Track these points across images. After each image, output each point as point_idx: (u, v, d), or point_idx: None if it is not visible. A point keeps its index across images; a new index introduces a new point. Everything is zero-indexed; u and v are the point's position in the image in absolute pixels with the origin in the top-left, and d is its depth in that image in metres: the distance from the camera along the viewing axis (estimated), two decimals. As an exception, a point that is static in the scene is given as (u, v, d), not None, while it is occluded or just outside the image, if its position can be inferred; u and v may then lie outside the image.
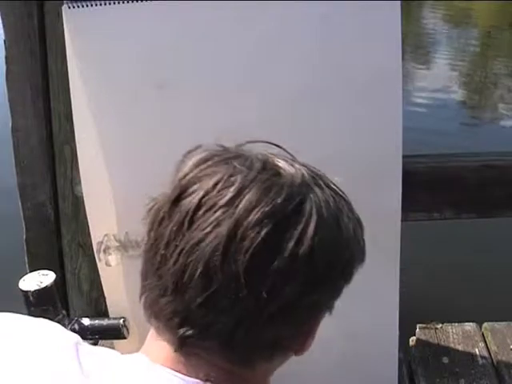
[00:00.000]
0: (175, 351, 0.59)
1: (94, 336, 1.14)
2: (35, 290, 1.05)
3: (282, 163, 0.61)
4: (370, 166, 1.16)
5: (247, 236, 0.55)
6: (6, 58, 1.19)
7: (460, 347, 1.89)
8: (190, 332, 0.58)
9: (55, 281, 1.08)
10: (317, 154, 1.15)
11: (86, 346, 0.66)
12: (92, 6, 1.05)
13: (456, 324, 1.99)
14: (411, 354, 1.87)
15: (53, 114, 1.23)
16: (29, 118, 1.23)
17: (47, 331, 0.66)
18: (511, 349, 1.88)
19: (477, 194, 1.37)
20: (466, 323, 1.99)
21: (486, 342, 1.92)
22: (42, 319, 0.68)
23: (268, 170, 0.59)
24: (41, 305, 1.06)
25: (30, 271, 1.11)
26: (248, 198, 0.56)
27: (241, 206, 0.55)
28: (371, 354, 1.28)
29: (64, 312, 1.12)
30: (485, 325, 1.99)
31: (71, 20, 1.06)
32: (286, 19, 1.08)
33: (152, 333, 0.62)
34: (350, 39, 1.10)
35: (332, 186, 0.66)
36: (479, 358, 1.84)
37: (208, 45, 1.08)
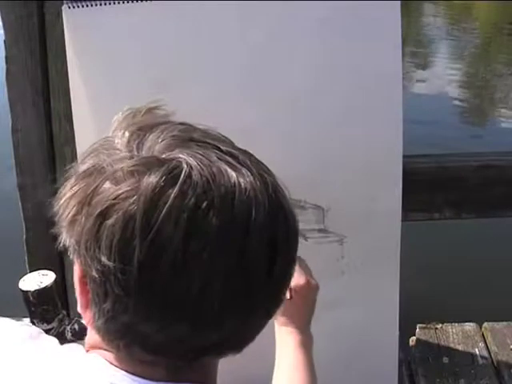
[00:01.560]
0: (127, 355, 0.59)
1: (94, 336, 1.14)
2: (35, 290, 1.05)
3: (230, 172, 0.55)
4: (370, 166, 1.16)
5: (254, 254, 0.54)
6: (6, 57, 1.19)
7: (460, 347, 1.89)
8: (207, 357, 0.59)
9: (55, 281, 1.08)
10: (317, 154, 1.15)
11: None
12: (92, 5, 1.05)
13: (456, 324, 1.99)
14: (411, 353, 1.88)
15: (53, 114, 1.22)
16: (29, 118, 1.22)
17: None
18: (511, 349, 1.89)
19: (477, 194, 1.37)
20: (466, 323, 2.00)
21: (486, 342, 1.92)
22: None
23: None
24: (41, 305, 1.06)
25: (30, 271, 1.11)
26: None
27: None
28: (371, 354, 1.28)
29: (64, 312, 1.12)
30: (485, 325, 1.99)
31: (71, 20, 1.06)
32: (285, 20, 1.08)
33: (96, 339, 0.61)
34: (349, 39, 1.10)
35: (231, 150, 0.58)
36: (479, 358, 1.85)
37: (208, 45, 1.08)
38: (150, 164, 0.53)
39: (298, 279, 0.93)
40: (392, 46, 1.11)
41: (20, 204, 1.29)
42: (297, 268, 0.93)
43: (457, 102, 5.81)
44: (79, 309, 0.60)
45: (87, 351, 0.63)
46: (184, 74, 1.09)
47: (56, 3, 1.10)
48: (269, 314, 0.60)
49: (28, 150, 1.25)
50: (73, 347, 0.65)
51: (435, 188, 1.35)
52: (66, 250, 0.60)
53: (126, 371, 0.59)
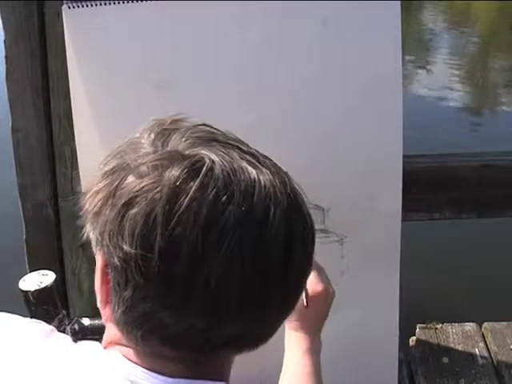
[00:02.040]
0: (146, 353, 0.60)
1: (94, 336, 1.13)
2: (35, 290, 1.05)
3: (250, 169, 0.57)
4: (370, 166, 1.16)
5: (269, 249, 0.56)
6: (6, 57, 1.18)
7: (460, 347, 1.89)
8: (223, 351, 0.60)
9: (55, 281, 1.08)
10: (317, 154, 1.15)
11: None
12: (92, 5, 1.05)
13: (456, 324, 1.99)
14: (411, 353, 1.88)
15: (53, 114, 1.22)
16: (29, 118, 1.22)
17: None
18: (511, 349, 1.89)
19: (477, 194, 1.37)
20: (466, 323, 2.00)
21: (486, 342, 1.92)
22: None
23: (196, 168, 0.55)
24: (41, 305, 1.06)
25: (30, 271, 1.11)
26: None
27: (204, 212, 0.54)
28: (371, 354, 1.28)
29: (64, 312, 1.12)
30: (485, 325, 1.99)
31: (71, 20, 1.06)
32: (285, 20, 1.08)
33: (115, 337, 0.63)
34: (349, 40, 1.10)
35: (251, 150, 0.61)
36: (479, 358, 1.85)
37: (208, 45, 1.08)
38: (173, 158, 0.56)
39: (315, 286, 0.93)
40: (392, 47, 1.11)
41: (20, 204, 1.29)
42: (315, 275, 0.93)
43: (457, 102, 5.81)
44: (98, 304, 0.62)
45: (105, 348, 0.64)
46: (184, 74, 1.09)
47: (56, 3, 1.10)
48: (282, 314, 0.61)
49: (28, 149, 1.25)
50: (90, 344, 0.66)
51: (435, 188, 1.35)
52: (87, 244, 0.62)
53: (145, 368, 0.60)
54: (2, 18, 1.16)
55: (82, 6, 1.05)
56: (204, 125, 0.62)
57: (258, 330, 0.60)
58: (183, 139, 0.58)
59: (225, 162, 0.55)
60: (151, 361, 0.60)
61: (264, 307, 0.57)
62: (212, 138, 0.59)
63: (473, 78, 6.74)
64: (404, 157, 1.18)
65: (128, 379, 0.59)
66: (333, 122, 1.14)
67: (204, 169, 0.54)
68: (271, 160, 0.61)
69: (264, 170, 0.57)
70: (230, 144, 0.59)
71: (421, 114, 4.69)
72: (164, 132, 0.60)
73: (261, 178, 0.56)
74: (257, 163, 0.57)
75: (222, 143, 0.58)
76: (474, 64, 7.22)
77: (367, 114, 1.14)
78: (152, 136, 0.60)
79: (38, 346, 0.65)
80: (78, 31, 1.07)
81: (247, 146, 0.61)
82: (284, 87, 1.11)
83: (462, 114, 5.62)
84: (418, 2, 8.61)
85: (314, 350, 0.92)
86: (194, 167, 0.55)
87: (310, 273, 0.62)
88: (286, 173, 0.61)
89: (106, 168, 0.59)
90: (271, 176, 0.57)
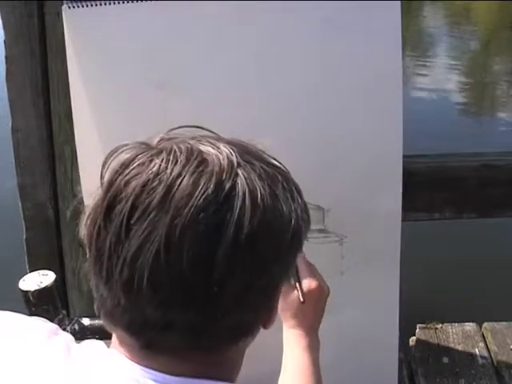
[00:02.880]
0: (141, 350, 0.60)
1: (94, 336, 1.14)
2: (35, 290, 1.05)
3: (206, 148, 0.59)
4: (370, 166, 1.16)
5: (185, 234, 0.54)
6: (6, 57, 1.18)
7: (460, 347, 1.89)
8: (151, 334, 0.59)
9: (55, 281, 1.08)
10: (317, 154, 1.15)
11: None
12: (92, 5, 1.05)
13: (456, 324, 1.99)
14: (411, 353, 1.88)
15: (53, 114, 1.22)
16: (29, 118, 1.22)
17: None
18: (511, 349, 1.89)
19: (477, 194, 1.37)
20: (466, 323, 2.00)
21: (485, 341, 1.92)
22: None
23: (193, 159, 0.57)
24: (41, 305, 1.06)
25: (30, 271, 1.11)
26: (179, 194, 0.55)
27: (173, 203, 0.54)
28: (371, 354, 1.28)
29: (64, 312, 1.12)
30: (485, 325, 1.99)
31: (71, 20, 1.06)
32: (286, 20, 1.08)
33: (115, 338, 0.64)
34: (350, 39, 1.10)
35: (261, 155, 0.62)
36: (479, 358, 1.85)
37: (208, 45, 1.08)
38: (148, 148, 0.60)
39: (309, 283, 0.93)
40: (392, 46, 1.11)
41: (20, 204, 1.29)
42: (308, 272, 0.93)
43: (457, 102, 5.81)
44: None
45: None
46: (184, 74, 1.09)
47: (56, 3, 1.10)
48: (215, 308, 0.58)
49: (28, 149, 1.25)
50: (94, 343, 0.66)
51: (435, 188, 1.35)
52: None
53: (146, 366, 0.60)
54: (2, 18, 1.16)
55: (82, 6, 1.05)
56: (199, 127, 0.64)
57: (191, 322, 0.58)
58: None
59: (183, 147, 0.58)
60: (152, 359, 0.61)
61: (184, 298, 0.56)
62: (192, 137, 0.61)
63: (473, 77, 6.74)
64: (404, 157, 1.18)
65: (135, 379, 0.60)
66: (333, 121, 1.14)
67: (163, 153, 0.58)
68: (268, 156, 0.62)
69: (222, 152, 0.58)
70: (205, 136, 0.61)
71: (421, 114, 4.68)
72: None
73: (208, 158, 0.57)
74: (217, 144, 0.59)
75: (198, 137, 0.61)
76: (474, 64, 7.21)
77: (367, 113, 1.14)
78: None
79: (42, 344, 0.65)
80: (78, 31, 1.07)
81: (242, 146, 0.62)
82: (284, 87, 1.11)
83: (462, 114, 5.62)
84: (418, 2, 8.61)
85: (313, 346, 0.92)
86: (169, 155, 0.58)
87: (262, 276, 0.59)
88: (284, 171, 0.62)
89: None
90: (290, 184, 0.61)
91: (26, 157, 1.25)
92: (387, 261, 1.23)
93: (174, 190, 0.55)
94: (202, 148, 0.59)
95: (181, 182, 0.55)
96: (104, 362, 0.62)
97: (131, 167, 0.58)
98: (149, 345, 0.60)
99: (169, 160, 0.57)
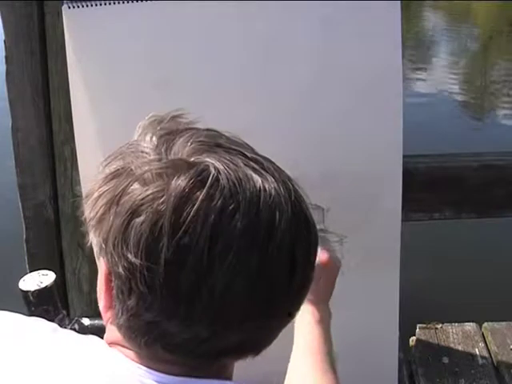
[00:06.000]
0: (145, 351, 0.60)
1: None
2: (35, 290, 1.05)
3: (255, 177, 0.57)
4: (370, 166, 1.16)
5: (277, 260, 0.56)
6: (6, 57, 1.18)
7: (460, 347, 1.89)
8: (226, 358, 0.61)
9: (55, 281, 1.08)
10: (317, 154, 1.15)
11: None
12: (92, 6, 1.05)
13: (456, 324, 1.99)
14: (411, 353, 1.88)
15: (53, 114, 1.22)
16: (29, 118, 1.22)
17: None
18: (511, 349, 1.89)
19: (477, 194, 1.37)
20: (466, 323, 2.00)
21: (486, 341, 1.92)
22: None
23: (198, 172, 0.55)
24: (41, 305, 1.06)
25: (30, 271, 1.11)
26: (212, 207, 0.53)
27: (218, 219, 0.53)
28: (371, 354, 1.28)
29: (64, 312, 1.12)
30: (485, 325, 1.99)
31: (71, 20, 1.06)
32: (286, 20, 1.08)
33: (117, 338, 0.63)
34: (350, 39, 1.10)
35: (255, 156, 0.60)
36: (479, 358, 1.85)
37: (208, 45, 1.08)
38: (179, 167, 0.55)
39: (321, 255, 0.94)
40: (392, 46, 1.11)
41: (20, 204, 1.29)
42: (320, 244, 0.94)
43: (457, 102, 5.81)
44: (101, 308, 0.61)
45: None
46: (184, 73, 1.09)
47: (56, 3, 1.10)
48: (289, 317, 0.61)
49: (28, 149, 1.25)
50: (94, 339, 0.66)
51: (435, 188, 1.35)
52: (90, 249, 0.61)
53: (149, 367, 0.60)
54: (2, 18, 1.16)
55: (82, 6, 1.05)
56: (208, 129, 0.61)
57: (260, 338, 0.60)
58: (187, 144, 0.58)
59: (230, 171, 0.55)
60: (153, 363, 0.60)
61: (270, 314, 0.58)
62: (216, 143, 0.59)
63: (473, 77, 6.74)
64: (404, 157, 1.18)
65: (140, 381, 0.60)
66: (333, 121, 1.14)
67: (210, 178, 0.54)
68: (274, 164, 0.61)
69: (269, 177, 0.57)
70: (233, 149, 0.58)
71: (421, 114, 4.68)
72: (167, 137, 0.59)
73: (266, 186, 0.56)
74: (261, 170, 0.57)
75: (225, 148, 0.58)
76: (474, 64, 7.22)
77: (367, 113, 1.14)
78: (154, 140, 0.59)
79: (44, 343, 0.65)
80: (78, 31, 1.07)
81: (251, 150, 0.61)
82: (284, 87, 1.11)
83: (462, 114, 5.62)
84: (417, 2, 8.61)
85: (325, 318, 0.92)
86: (200, 177, 0.54)
87: (312, 278, 0.61)
88: (289, 177, 0.61)
89: (108, 170, 0.59)
90: (276, 184, 0.57)
91: (26, 157, 1.25)
92: (387, 261, 1.23)
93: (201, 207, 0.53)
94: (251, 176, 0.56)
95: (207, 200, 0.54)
96: (109, 363, 0.62)
97: (192, 203, 0.54)
98: (155, 349, 0.59)
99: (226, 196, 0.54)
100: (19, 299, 1.06)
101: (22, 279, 1.07)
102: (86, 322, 1.13)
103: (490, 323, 1.99)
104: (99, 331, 1.07)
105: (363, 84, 1.12)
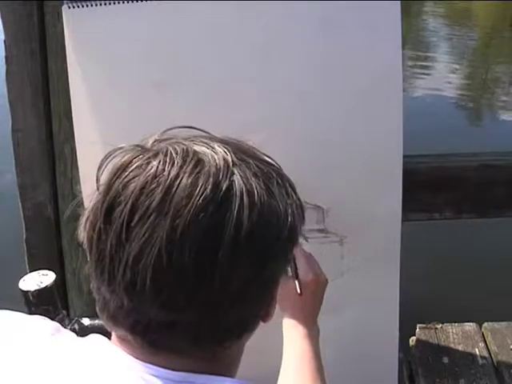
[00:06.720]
0: (144, 347, 0.61)
1: (93, 336, 1.14)
2: (35, 290, 1.05)
3: (201, 148, 0.59)
4: (371, 166, 1.16)
5: (186, 234, 0.55)
6: (6, 57, 1.18)
7: (460, 347, 1.89)
8: (155, 334, 0.60)
9: (55, 281, 1.08)
10: (317, 154, 1.15)
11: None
12: (92, 5, 1.05)
13: (456, 324, 1.99)
14: (411, 353, 1.88)
15: (53, 113, 1.22)
16: (29, 118, 1.22)
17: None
18: (511, 349, 1.89)
19: (477, 194, 1.37)
20: (466, 323, 2.00)
21: (486, 342, 1.92)
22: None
23: (189, 160, 0.58)
24: (41, 305, 1.06)
25: (30, 271, 1.11)
26: (178, 195, 0.55)
27: (172, 205, 0.55)
28: (371, 354, 1.28)
29: (64, 312, 1.12)
30: (485, 325, 1.99)
31: (71, 20, 1.06)
32: (286, 20, 1.08)
33: (114, 336, 0.64)
34: (350, 39, 1.10)
35: (255, 153, 0.63)
36: (479, 358, 1.85)
37: (208, 45, 1.08)
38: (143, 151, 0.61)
39: (306, 274, 0.94)
40: (392, 47, 1.11)
41: (20, 204, 1.29)
42: (305, 263, 0.94)
43: (457, 102, 5.81)
44: None
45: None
46: (184, 73, 1.09)
47: (56, 3, 1.10)
48: (217, 307, 0.59)
49: (28, 149, 1.25)
50: (96, 338, 0.66)
51: (435, 188, 1.35)
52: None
53: (148, 362, 0.61)
54: (2, 18, 1.16)
55: (82, 6, 1.05)
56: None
57: (195, 321, 0.59)
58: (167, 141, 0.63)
59: (178, 149, 0.59)
60: (152, 357, 0.61)
61: (187, 298, 0.57)
62: (186, 138, 0.62)
63: (473, 77, 6.74)
64: (404, 157, 1.18)
65: (140, 377, 0.60)
66: (333, 122, 1.14)
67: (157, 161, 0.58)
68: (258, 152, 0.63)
69: (213, 153, 0.59)
70: (196, 137, 0.62)
71: (421, 114, 4.68)
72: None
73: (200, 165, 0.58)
74: (211, 145, 0.60)
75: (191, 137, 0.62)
76: (474, 64, 7.21)
77: (367, 114, 1.14)
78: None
79: (45, 342, 0.65)
80: (77, 31, 1.07)
81: (237, 145, 0.63)
82: (284, 88, 1.11)
83: (462, 114, 5.62)
84: (417, 2, 8.61)
85: (313, 335, 0.92)
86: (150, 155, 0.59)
87: (259, 278, 0.60)
88: (277, 167, 0.63)
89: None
90: (284, 180, 0.61)
91: (26, 157, 1.25)
92: (387, 261, 1.23)
93: (173, 191, 0.55)
94: (197, 148, 0.59)
95: (179, 184, 0.56)
96: (110, 360, 0.63)
97: (129, 170, 0.58)
98: (151, 343, 0.60)
99: (166, 162, 0.57)
100: (19, 299, 1.06)
101: (22, 279, 1.07)
102: (86, 322, 1.13)
103: (489, 323, 1.99)
104: (99, 331, 1.07)
105: (363, 84, 1.12)
